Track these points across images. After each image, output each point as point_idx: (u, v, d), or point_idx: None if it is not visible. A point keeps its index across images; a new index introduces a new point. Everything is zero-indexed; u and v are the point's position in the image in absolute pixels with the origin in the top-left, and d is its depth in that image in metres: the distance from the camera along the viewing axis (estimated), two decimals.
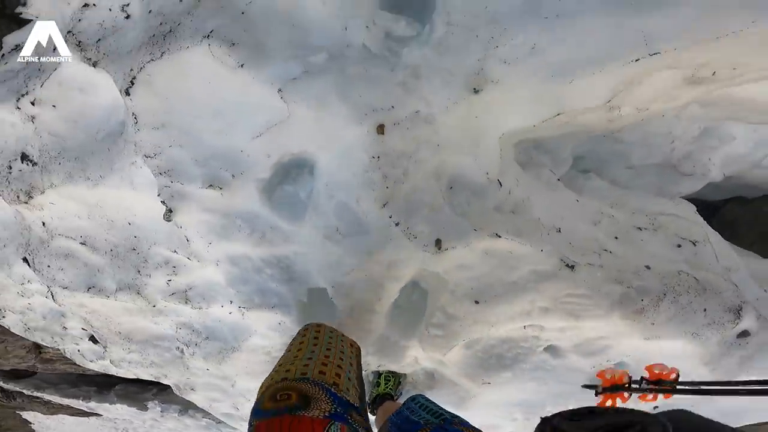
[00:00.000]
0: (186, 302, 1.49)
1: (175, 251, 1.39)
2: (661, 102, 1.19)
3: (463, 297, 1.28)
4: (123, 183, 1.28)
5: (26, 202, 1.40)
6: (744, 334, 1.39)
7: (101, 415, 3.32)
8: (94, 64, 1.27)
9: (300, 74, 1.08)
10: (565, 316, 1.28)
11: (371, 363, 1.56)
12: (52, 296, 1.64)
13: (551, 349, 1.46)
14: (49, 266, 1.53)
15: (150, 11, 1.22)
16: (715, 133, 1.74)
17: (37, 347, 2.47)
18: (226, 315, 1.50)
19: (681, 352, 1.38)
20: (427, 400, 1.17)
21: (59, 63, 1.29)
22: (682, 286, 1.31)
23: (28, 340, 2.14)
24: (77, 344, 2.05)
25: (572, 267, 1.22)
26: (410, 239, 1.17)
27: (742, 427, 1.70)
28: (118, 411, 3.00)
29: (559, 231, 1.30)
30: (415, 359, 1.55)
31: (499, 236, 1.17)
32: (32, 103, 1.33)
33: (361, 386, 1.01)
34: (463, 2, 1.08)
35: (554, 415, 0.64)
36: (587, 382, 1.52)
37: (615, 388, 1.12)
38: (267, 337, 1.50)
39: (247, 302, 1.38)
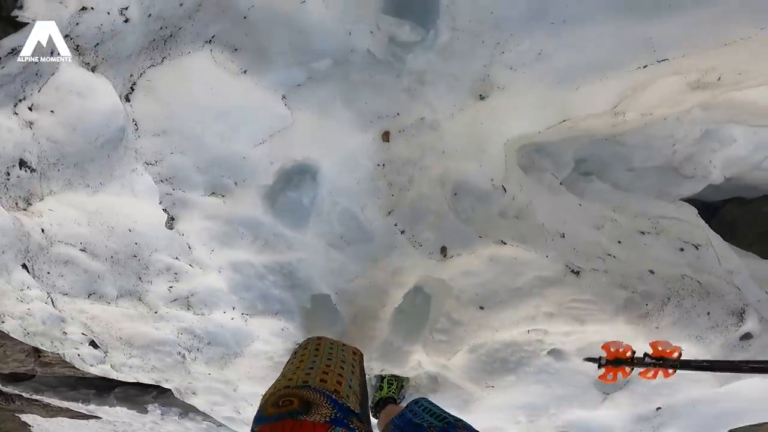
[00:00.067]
0: (188, 308, 1.48)
1: (176, 258, 1.37)
2: (666, 107, 1.19)
3: (468, 303, 1.27)
4: (123, 190, 1.26)
5: (25, 209, 1.38)
6: (747, 336, 1.40)
7: (101, 418, 3.31)
8: (93, 69, 1.25)
9: (304, 80, 1.07)
10: (570, 320, 1.28)
11: (374, 368, 1.55)
12: (52, 302, 1.62)
13: (555, 353, 1.46)
14: (48, 273, 1.52)
15: (149, 15, 1.20)
16: (716, 136, 1.75)
17: (36, 351, 2.45)
18: (228, 321, 1.49)
19: (684, 355, 1.39)
20: (430, 403, 1.17)
21: (57, 68, 1.27)
22: (685, 290, 1.31)
23: (27, 344, 2.12)
24: (77, 349, 2.04)
25: (577, 273, 1.21)
26: (416, 247, 1.17)
27: (742, 427, 1.71)
28: (117, 414, 2.98)
29: (563, 236, 1.29)
30: (418, 363, 1.55)
31: (505, 243, 1.17)
32: (30, 109, 1.31)
33: (364, 393, 1.03)
34: (468, 7, 1.07)
35: None
36: (592, 383, 1.53)
37: (618, 361, 1.12)
38: (270, 343, 1.50)
39: (250, 309, 1.38)
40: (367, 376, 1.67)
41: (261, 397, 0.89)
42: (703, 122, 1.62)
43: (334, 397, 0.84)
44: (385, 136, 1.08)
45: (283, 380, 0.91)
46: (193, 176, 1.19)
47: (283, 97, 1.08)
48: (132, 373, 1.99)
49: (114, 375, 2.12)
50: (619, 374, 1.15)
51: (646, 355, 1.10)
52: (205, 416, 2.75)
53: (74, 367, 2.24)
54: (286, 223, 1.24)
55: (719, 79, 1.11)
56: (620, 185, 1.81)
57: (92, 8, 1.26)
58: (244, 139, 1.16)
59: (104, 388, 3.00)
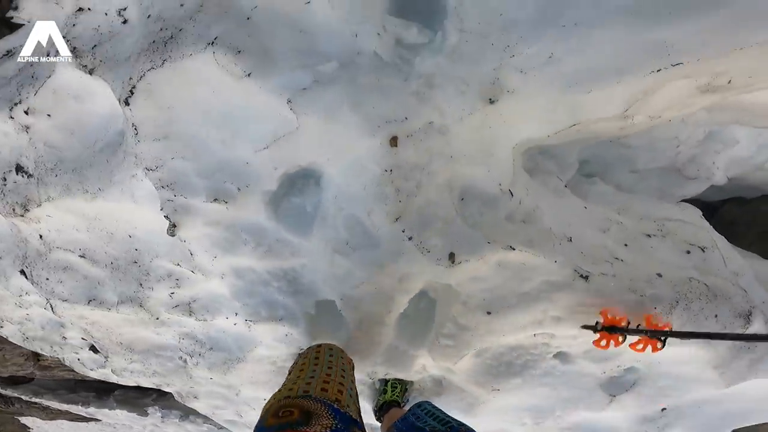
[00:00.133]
0: (189, 314, 1.46)
1: (178, 264, 1.35)
2: (675, 110, 1.17)
3: (475, 308, 1.26)
4: (123, 196, 1.24)
5: (22, 215, 1.35)
6: None
7: (100, 420, 3.29)
8: (91, 72, 1.21)
9: (310, 84, 1.04)
10: (578, 324, 1.27)
11: (378, 371, 1.54)
12: (51, 308, 1.60)
13: (561, 356, 1.45)
14: (47, 279, 1.49)
15: (149, 16, 1.17)
16: (719, 137, 1.75)
17: (36, 355, 2.42)
18: (231, 326, 1.47)
19: (691, 357, 1.39)
20: (433, 406, 1.16)
21: (53, 70, 1.24)
22: (693, 293, 1.30)
23: (26, 348, 2.10)
24: (77, 353, 2.01)
25: (586, 277, 1.20)
26: (423, 253, 1.15)
27: (744, 427, 1.72)
28: (117, 416, 2.96)
29: (570, 240, 1.28)
30: (423, 367, 1.54)
31: (513, 248, 1.15)
32: (26, 112, 1.27)
33: (358, 403, 1.02)
34: (477, 8, 1.05)
35: None
36: (598, 385, 1.53)
37: (613, 329, 1.16)
38: (273, 348, 1.48)
39: (253, 315, 1.36)
40: (371, 379, 1.66)
41: (264, 400, 0.89)
42: (707, 124, 1.61)
43: (335, 406, 0.84)
44: (393, 141, 1.06)
45: (283, 390, 0.92)
46: (195, 182, 1.17)
47: (289, 101, 1.05)
48: (133, 377, 1.97)
49: (114, 379, 2.10)
50: (612, 342, 1.19)
51: (639, 325, 1.16)
52: (206, 419, 2.74)
53: (73, 371, 2.22)
54: (290, 228, 1.22)
55: (730, 82, 1.10)
56: (623, 187, 1.80)
57: (89, 9, 1.23)
58: (247, 144, 1.13)
59: (104, 391, 2.98)
